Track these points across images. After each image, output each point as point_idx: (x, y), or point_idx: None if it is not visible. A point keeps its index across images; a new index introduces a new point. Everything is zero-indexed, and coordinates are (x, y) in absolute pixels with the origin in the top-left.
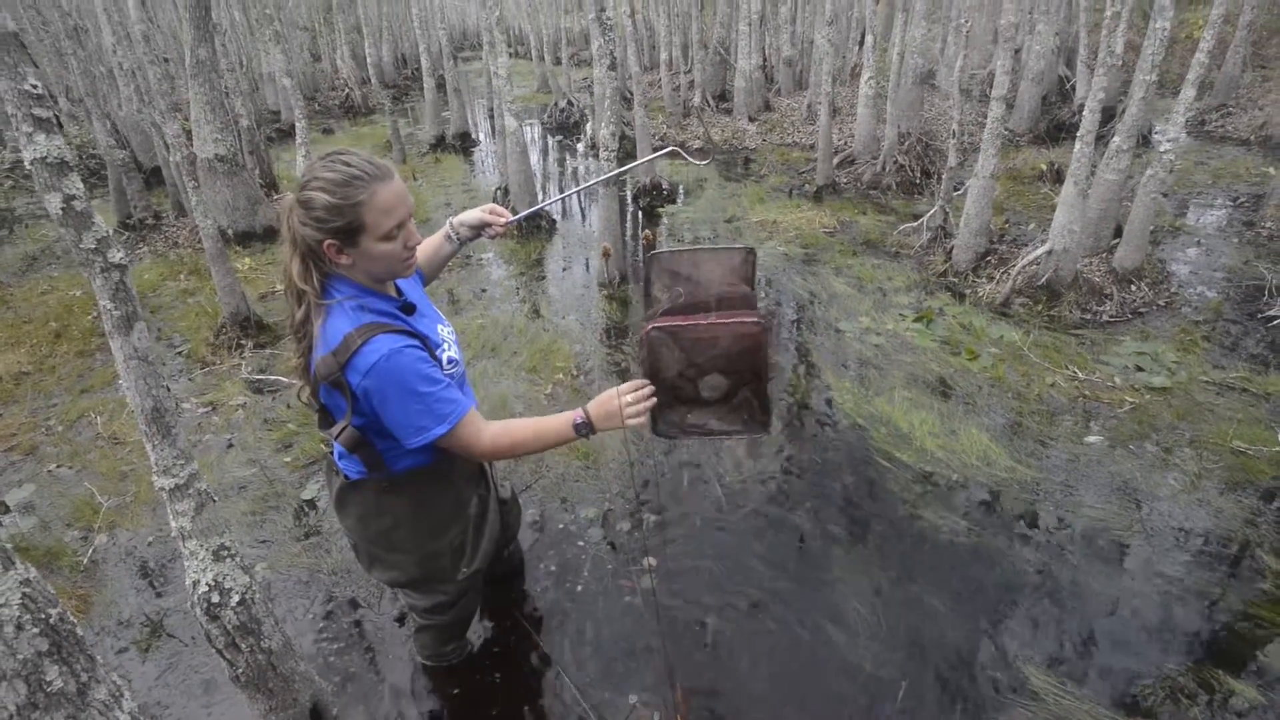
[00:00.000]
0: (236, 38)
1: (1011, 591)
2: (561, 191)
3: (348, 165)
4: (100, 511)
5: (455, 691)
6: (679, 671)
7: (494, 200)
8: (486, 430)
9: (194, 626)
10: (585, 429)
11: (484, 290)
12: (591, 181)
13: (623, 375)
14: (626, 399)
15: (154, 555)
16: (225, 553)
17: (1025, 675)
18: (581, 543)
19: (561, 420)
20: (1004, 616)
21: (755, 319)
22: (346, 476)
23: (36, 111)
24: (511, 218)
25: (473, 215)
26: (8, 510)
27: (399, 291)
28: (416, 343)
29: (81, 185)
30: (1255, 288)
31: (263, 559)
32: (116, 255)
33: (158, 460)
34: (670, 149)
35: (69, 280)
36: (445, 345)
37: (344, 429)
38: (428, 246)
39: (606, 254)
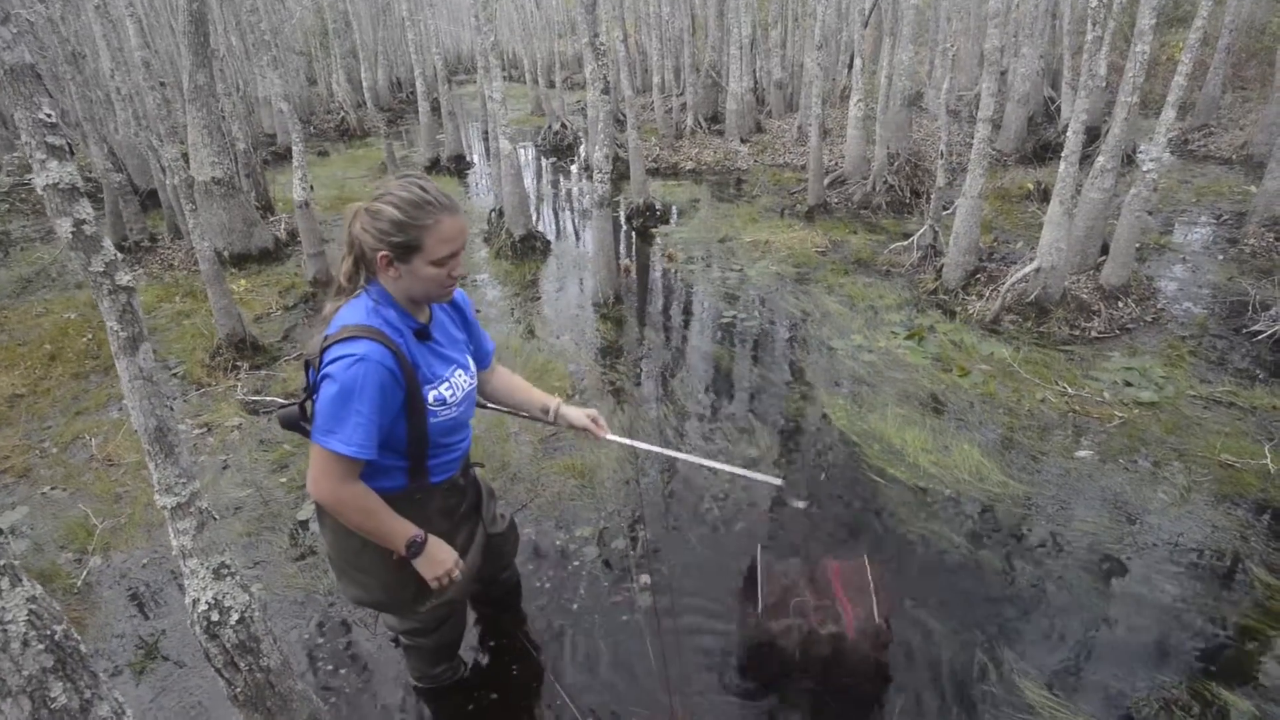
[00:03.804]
0: (234, 62)
1: (1005, 605)
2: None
3: (423, 190)
4: (95, 534)
5: (452, 711)
6: (677, 687)
7: (488, 222)
8: (354, 488)
9: (189, 649)
10: (415, 550)
11: (479, 311)
12: (683, 455)
13: (616, 394)
14: (455, 573)
15: (149, 578)
16: (225, 571)
17: (1020, 688)
18: (576, 562)
19: (404, 528)
20: (998, 630)
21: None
22: None
23: (50, 139)
24: (609, 434)
25: (579, 418)
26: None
27: (430, 317)
28: (394, 367)
29: (91, 210)
30: (1240, 303)
31: (258, 580)
32: (124, 278)
33: (160, 479)
34: (770, 479)
35: (64, 303)
36: (443, 384)
37: (289, 406)
38: (525, 390)
39: (627, 271)
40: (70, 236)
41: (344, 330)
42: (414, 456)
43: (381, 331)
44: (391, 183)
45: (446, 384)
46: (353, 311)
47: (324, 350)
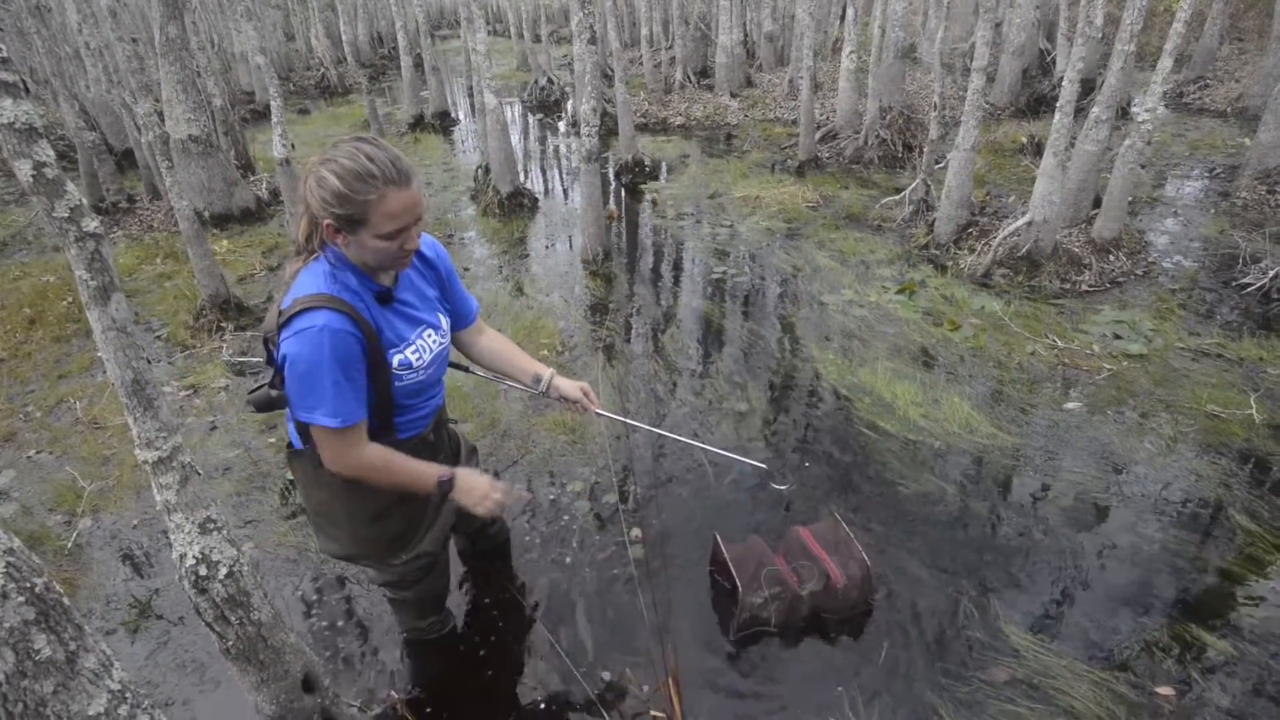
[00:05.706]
0: (206, 15)
1: (992, 554)
2: (552, 173)
3: (370, 160)
4: (83, 496)
5: (445, 663)
6: (668, 638)
7: (474, 179)
8: (367, 451)
9: (181, 606)
10: (447, 487)
11: (467, 269)
12: (671, 435)
13: (607, 350)
14: (495, 495)
15: (140, 538)
16: (212, 525)
17: (1006, 634)
18: (568, 516)
19: (430, 470)
20: (985, 578)
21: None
22: (291, 443)
23: (2, 76)
24: (599, 409)
25: (572, 390)
26: None
27: (395, 279)
28: (356, 332)
29: (52, 152)
30: (1230, 256)
31: (249, 539)
32: (91, 224)
33: (140, 433)
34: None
35: (41, 266)
36: (409, 347)
37: (259, 389)
38: (517, 356)
39: (612, 216)
40: (30, 180)
41: (297, 303)
42: (380, 416)
43: (338, 298)
44: (341, 145)
45: (413, 347)
46: (310, 279)
47: (281, 326)
